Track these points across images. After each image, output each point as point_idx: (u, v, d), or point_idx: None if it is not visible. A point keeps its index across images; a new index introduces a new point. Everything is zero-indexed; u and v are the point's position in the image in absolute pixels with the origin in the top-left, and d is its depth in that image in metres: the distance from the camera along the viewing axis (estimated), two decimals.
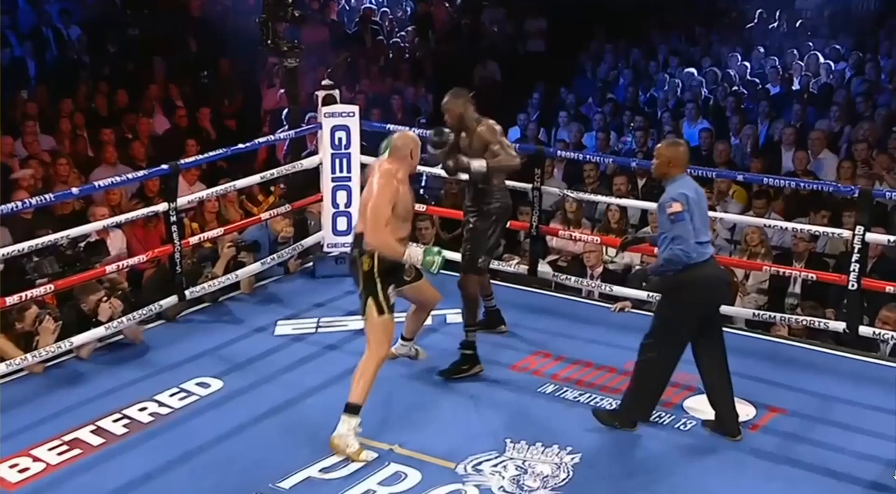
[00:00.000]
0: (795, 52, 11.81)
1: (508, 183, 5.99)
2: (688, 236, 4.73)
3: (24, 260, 5.77)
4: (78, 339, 5.78)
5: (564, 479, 4.69)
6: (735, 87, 11.09)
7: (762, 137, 9.78)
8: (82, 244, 6.20)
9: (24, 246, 5.66)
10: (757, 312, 6.38)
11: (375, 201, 4.85)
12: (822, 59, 11.50)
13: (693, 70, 11.67)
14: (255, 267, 6.82)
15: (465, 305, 5.66)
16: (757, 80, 11.25)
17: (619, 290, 6.64)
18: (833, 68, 11.34)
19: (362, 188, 7.05)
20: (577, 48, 12.79)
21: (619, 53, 12.52)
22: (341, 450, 4.83)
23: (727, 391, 5.02)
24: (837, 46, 11.88)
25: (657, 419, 5.22)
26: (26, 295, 5.54)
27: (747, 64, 11.75)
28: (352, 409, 4.84)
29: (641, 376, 5.03)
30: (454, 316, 6.20)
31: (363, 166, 7.28)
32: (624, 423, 5.06)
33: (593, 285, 6.89)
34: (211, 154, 7.09)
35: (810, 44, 12.14)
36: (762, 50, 12.10)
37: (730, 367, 5.06)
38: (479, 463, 4.80)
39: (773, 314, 6.34)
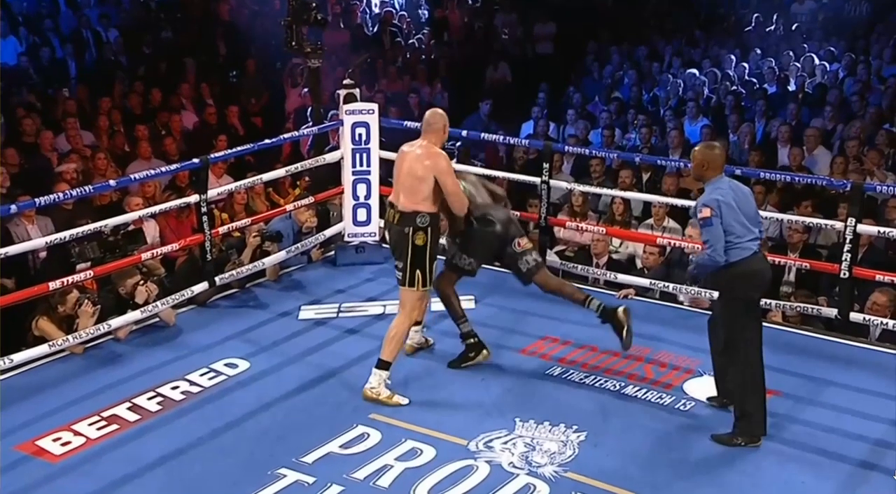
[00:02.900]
0: (791, 54, 11.74)
1: (519, 177, 5.95)
2: (716, 240, 4.58)
3: (69, 245, 5.80)
4: (116, 322, 5.81)
5: (570, 456, 4.69)
6: (734, 87, 11.02)
7: (759, 134, 9.72)
8: (121, 232, 6.23)
9: (65, 234, 5.70)
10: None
11: (449, 180, 5.08)
12: (816, 61, 11.42)
13: (694, 71, 11.60)
14: (280, 256, 6.83)
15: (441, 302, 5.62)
16: (754, 81, 11.18)
17: (623, 278, 6.63)
18: (827, 69, 11.26)
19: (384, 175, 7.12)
20: (584, 51, 12.74)
21: (624, 55, 12.46)
22: (373, 398, 5.08)
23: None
24: (831, 48, 11.80)
25: (658, 399, 5.21)
26: (68, 281, 5.57)
27: (745, 65, 11.68)
28: (382, 365, 5.12)
29: (743, 391, 4.77)
30: (467, 302, 6.23)
31: (382, 161, 7.30)
32: (748, 441, 4.77)
33: (598, 273, 6.87)
34: (238, 149, 7.11)
35: (805, 46, 12.06)
36: (759, 52, 12.02)
37: None
38: (491, 441, 4.80)
39: (768, 301, 6.30)
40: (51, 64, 11.15)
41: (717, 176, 4.73)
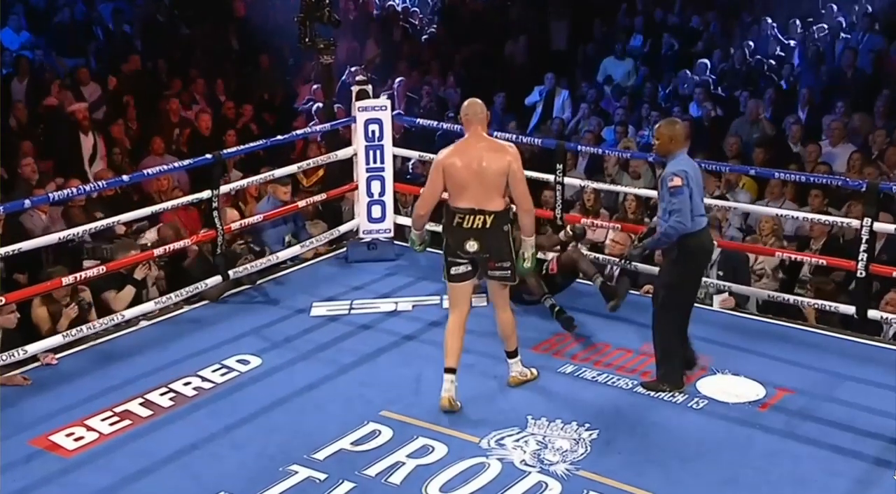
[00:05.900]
0: (805, 45, 11.61)
1: (531, 173, 5.93)
2: (685, 209, 4.89)
3: (82, 243, 5.85)
4: (129, 313, 5.86)
5: (582, 454, 4.69)
6: (745, 79, 10.92)
7: (772, 124, 9.63)
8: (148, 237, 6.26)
9: (79, 230, 5.74)
10: (772, 294, 6.33)
11: (524, 184, 5.05)
12: (834, 52, 11.29)
13: (706, 61, 11.45)
14: (293, 251, 6.85)
15: None
16: (773, 75, 11.06)
17: (642, 267, 6.62)
18: (842, 63, 11.11)
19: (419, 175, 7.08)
20: (598, 46, 12.67)
21: (637, 51, 12.36)
22: (522, 381, 5.29)
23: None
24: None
25: (671, 398, 5.20)
26: (79, 277, 5.61)
27: (759, 56, 11.56)
28: (513, 355, 5.31)
29: (663, 343, 5.17)
30: (480, 301, 6.22)
31: (395, 157, 7.30)
32: (673, 387, 5.20)
33: (616, 261, 6.83)
34: (251, 145, 7.13)
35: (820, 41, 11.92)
36: (772, 39, 11.86)
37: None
38: (502, 438, 4.81)
39: (786, 295, 6.28)
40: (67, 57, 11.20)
41: (681, 150, 5.03)
